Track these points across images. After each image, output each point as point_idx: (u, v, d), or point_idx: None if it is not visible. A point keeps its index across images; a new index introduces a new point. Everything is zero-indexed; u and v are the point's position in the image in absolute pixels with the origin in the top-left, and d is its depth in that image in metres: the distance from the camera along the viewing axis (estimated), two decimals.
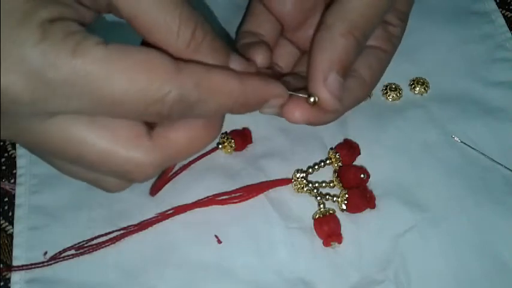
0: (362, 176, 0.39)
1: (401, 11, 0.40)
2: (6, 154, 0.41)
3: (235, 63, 0.31)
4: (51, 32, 0.26)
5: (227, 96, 0.30)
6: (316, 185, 0.40)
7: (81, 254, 0.37)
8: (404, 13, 0.40)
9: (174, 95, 0.28)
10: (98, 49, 0.26)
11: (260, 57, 0.36)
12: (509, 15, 0.48)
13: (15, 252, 0.37)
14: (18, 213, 0.39)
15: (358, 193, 0.39)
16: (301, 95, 0.35)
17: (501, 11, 0.48)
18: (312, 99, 0.34)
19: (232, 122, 0.42)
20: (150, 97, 0.27)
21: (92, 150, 0.29)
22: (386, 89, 0.44)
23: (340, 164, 0.40)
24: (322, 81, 0.34)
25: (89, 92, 0.27)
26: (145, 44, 0.30)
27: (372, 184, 0.40)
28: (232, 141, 0.41)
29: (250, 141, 0.41)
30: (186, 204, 0.39)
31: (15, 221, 0.38)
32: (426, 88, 0.44)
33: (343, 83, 0.34)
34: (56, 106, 0.27)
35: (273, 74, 0.39)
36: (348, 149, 0.41)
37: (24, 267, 0.37)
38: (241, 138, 0.41)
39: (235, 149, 0.41)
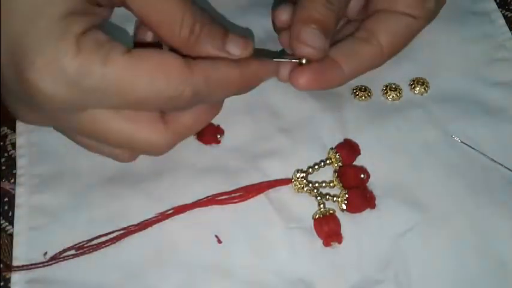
0: (362, 176, 0.39)
1: None
2: (6, 154, 0.41)
3: (231, 45, 0.35)
4: (85, 44, 0.31)
5: (231, 85, 0.35)
6: (316, 185, 0.40)
7: (81, 254, 0.37)
8: None
9: (188, 92, 0.33)
10: (124, 58, 0.31)
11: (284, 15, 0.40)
12: (509, 15, 0.48)
13: (15, 252, 0.37)
14: (18, 213, 0.39)
15: (358, 193, 0.39)
16: (293, 59, 0.38)
17: (501, 11, 0.48)
18: (303, 61, 0.38)
19: (232, 122, 0.42)
20: (168, 96, 0.33)
21: (117, 135, 0.34)
22: (386, 89, 0.44)
23: (340, 164, 0.40)
24: (296, 37, 0.38)
25: (116, 95, 0.32)
26: (141, 44, 0.36)
27: (372, 184, 0.40)
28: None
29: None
30: (186, 204, 0.39)
31: (15, 221, 0.38)
32: (426, 88, 0.44)
33: (321, 35, 0.38)
34: (89, 105, 0.33)
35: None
36: (348, 149, 0.41)
37: (24, 267, 0.37)
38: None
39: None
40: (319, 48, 0.38)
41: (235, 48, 0.35)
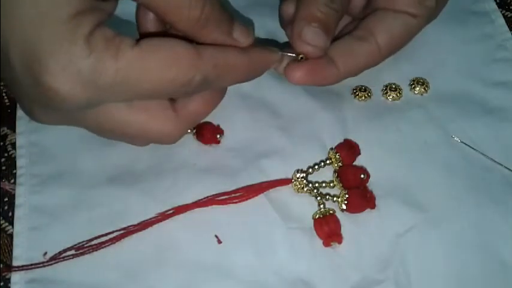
0: (362, 176, 0.39)
1: None
2: (6, 154, 0.41)
3: (237, 32, 0.36)
4: (95, 43, 0.31)
5: (239, 72, 0.36)
6: (316, 185, 0.40)
7: (81, 254, 0.37)
8: None
9: (198, 78, 0.33)
10: (134, 51, 0.32)
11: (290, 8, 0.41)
12: (509, 15, 0.48)
13: (15, 252, 0.37)
14: (18, 213, 0.39)
15: (358, 193, 0.39)
16: (290, 54, 0.39)
17: (501, 11, 0.48)
18: (299, 57, 0.39)
19: (232, 122, 0.42)
20: (179, 83, 0.33)
21: (132, 127, 0.35)
22: (386, 89, 0.44)
23: (340, 164, 0.40)
24: (297, 35, 0.38)
25: (131, 87, 0.32)
26: (145, 35, 0.36)
27: (372, 184, 0.40)
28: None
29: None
30: (186, 204, 0.39)
31: (15, 221, 0.38)
32: (426, 88, 0.44)
33: (322, 33, 0.38)
34: (106, 101, 0.33)
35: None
36: (348, 149, 0.41)
37: (24, 268, 0.37)
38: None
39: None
40: (319, 46, 0.38)
41: (240, 36, 0.36)
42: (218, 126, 0.42)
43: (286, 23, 0.42)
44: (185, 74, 0.33)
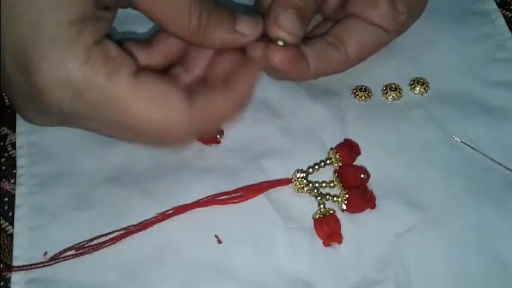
0: (362, 176, 0.39)
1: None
2: (6, 154, 0.41)
3: (241, 25, 0.36)
4: (94, 55, 0.31)
5: (227, 114, 0.36)
6: (316, 185, 0.40)
7: (81, 254, 0.37)
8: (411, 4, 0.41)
9: (186, 125, 0.33)
10: (129, 79, 0.32)
11: None
12: (509, 15, 0.48)
13: (15, 252, 0.37)
14: (18, 213, 0.39)
15: (358, 193, 0.39)
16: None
17: (501, 11, 0.48)
18: (280, 42, 0.38)
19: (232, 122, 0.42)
20: (165, 128, 0.33)
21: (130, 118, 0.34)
22: (386, 89, 0.44)
23: (340, 164, 0.40)
24: (273, 20, 0.37)
25: (116, 111, 0.32)
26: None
27: (372, 184, 0.40)
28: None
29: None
30: (186, 204, 0.39)
31: (15, 221, 0.38)
32: (426, 88, 0.44)
33: (297, 20, 0.38)
34: (88, 118, 0.33)
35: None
36: (348, 149, 0.41)
37: (24, 268, 0.37)
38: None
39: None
40: (294, 34, 0.38)
41: (246, 28, 0.36)
42: None
43: (264, 14, 0.42)
44: (173, 122, 0.33)
